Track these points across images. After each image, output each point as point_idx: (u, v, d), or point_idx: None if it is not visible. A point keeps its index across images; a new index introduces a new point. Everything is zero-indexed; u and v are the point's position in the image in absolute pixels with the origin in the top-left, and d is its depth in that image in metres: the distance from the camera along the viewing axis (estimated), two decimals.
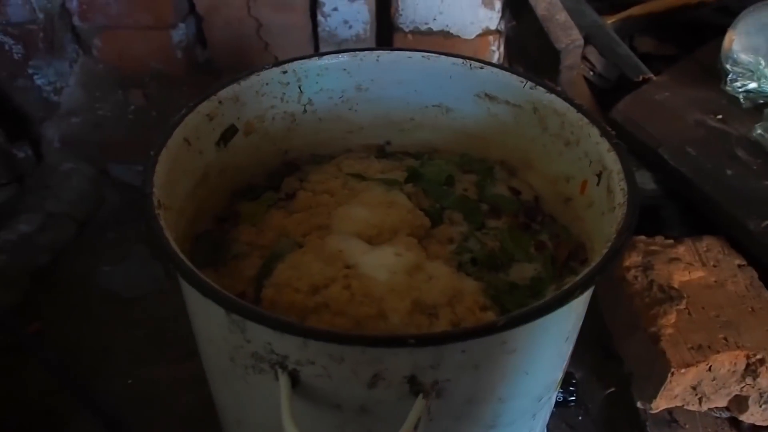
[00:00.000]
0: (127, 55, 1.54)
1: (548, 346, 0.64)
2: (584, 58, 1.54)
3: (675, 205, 1.41)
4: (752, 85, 1.39)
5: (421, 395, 0.56)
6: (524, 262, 0.81)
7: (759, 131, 1.32)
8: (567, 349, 0.71)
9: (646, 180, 1.40)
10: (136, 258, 1.42)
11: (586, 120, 0.79)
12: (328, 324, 0.69)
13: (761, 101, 1.39)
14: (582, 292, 0.56)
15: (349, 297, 0.71)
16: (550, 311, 0.55)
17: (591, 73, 1.57)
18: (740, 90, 1.40)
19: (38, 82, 1.49)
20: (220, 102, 0.82)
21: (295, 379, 0.58)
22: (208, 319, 0.63)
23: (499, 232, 0.84)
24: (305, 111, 0.93)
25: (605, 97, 1.52)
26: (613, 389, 1.23)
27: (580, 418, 1.21)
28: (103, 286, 1.37)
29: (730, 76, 1.41)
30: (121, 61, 1.55)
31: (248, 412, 0.72)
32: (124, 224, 1.49)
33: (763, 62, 1.39)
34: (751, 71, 1.40)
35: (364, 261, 0.75)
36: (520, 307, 0.70)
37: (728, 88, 1.41)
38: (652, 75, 1.48)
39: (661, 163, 1.34)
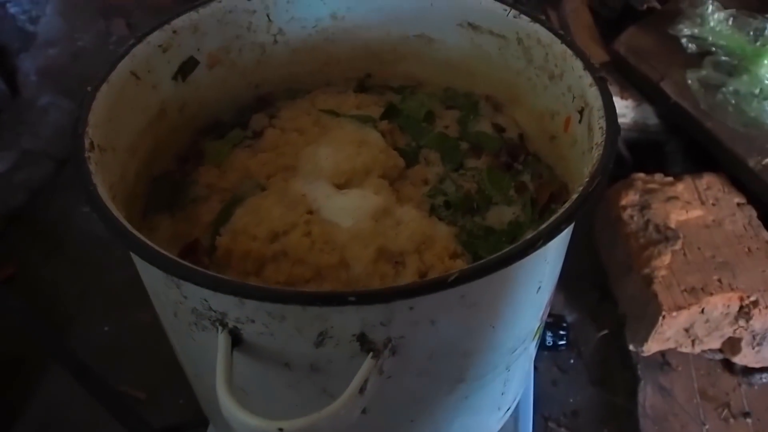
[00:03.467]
0: None
1: (516, 298, 0.60)
2: None
3: (678, 140, 1.36)
4: (695, 31, 1.30)
5: (370, 354, 0.52)
6: (503, 204, 0.76)
7: (689, 80, 1.25)
8: (541, 299, 0.67)
9: (648, 114, 1.36)
10: None
11: (570, 52, 0.72)
12: (286, 274, 0.65)
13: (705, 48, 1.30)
14: (546, 242, 0.51)
15: (310, 244, 0.66)
16: (507, 264, 0.50)
17: (596, 1, 1.49)
18: (683, 34, 1.31)
19: (12, 10, 1.43)
20: (174, 32, 0.75)
21: (237, 338, 0.54)
22: (147, 273, 0.59)
23: (477, 172, 0.79)
24: (276, 42, 0.87)
25: (610, 27, 1.45)
26: (606, 332, 1.21)
27: (572, 361, 1.18)
28: (82, 227, 1.33)
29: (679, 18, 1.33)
30: None
31: (201, 368, 0.68)
32: None
33: (710, 7, 1.30)
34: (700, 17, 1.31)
35: (328, 206, 0.70)
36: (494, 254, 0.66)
37: (670, 31, 1.32)
38: (657, 4, 1.40)
39: (663, 98, 1.28)
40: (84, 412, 1.04)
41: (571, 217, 0.53)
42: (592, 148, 0.62)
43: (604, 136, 0.61)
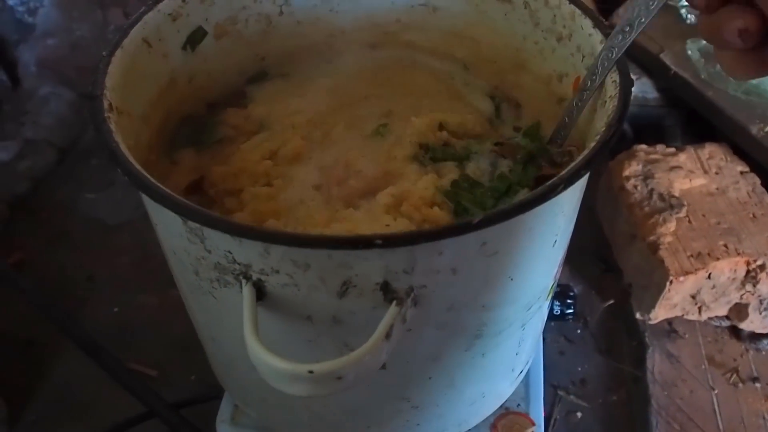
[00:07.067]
0: None
1: (533, 250, 0.60)
2: None
3: (678, 113, 1.37)
4: None
5: (394, 303, 0.52)
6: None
7: (689, 51, 1.26)
8: (556, 254, 0.67)
9: (648, 88, 1.37)
10: (120, 184, 1.38)
11: (578, 11, 0.72)
12: None
13: None
14: (566, 187, 0.52)
15: None
16: (530, 207, 0.50)
17: None
18: (681, 4, 1.33)
19: (10, 2, 1.43)
20: (183, 0, 0.76)
21: (261, 291, 0.54)
22: (168, 230, 0.59)
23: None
24: (281, 13, 0.87)
25: (608, 1, 1.46)
26: (612, 301, 1.21)
27: (578, 331, 1.19)
28: (87, 214, 1.34)
29: None
30: None
31: (221, 328, 0.68)
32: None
33: None
34: None
35: None
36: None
37: (668, 2, 1.33)
38: None
39: (663, 70, 1.29)
40: (95, 392, 1.05)
41: (590, 164, 0.53)
42: (605, 101, 0.63)
43: (618, 88, 0.62)
